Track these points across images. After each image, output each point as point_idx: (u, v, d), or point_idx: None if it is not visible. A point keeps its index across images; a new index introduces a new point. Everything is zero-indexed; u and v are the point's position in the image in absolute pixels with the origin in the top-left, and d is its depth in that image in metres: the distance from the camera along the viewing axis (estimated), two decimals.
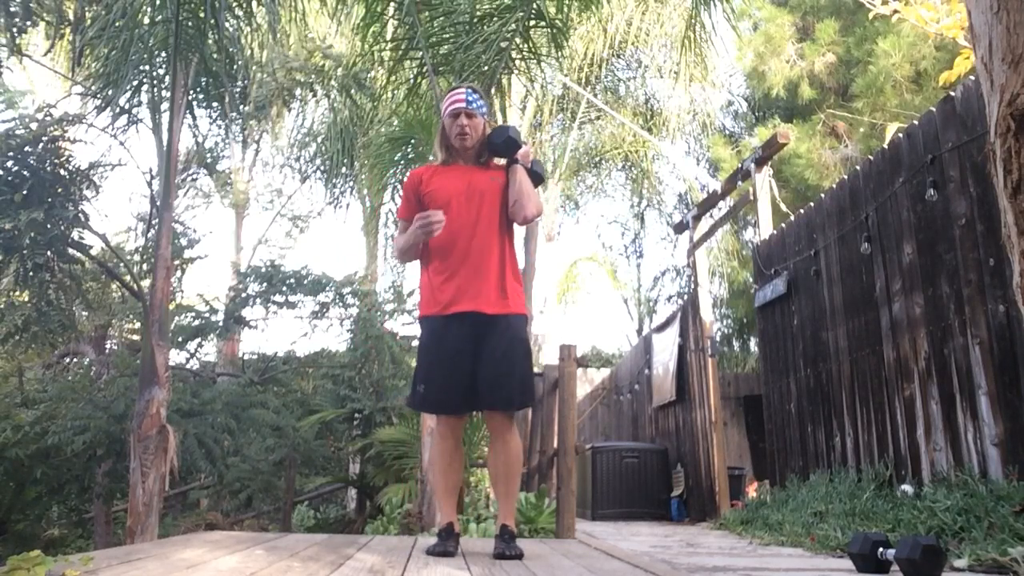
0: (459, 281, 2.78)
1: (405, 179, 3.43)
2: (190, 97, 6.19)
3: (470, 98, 2.89)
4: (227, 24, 6.03)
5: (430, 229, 2.71)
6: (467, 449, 6.78)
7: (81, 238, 6.46)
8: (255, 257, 16.32)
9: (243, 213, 16.46)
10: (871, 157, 5.63)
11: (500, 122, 5.60)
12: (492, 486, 2.76)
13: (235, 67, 6.66)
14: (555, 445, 4.87)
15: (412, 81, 6.16)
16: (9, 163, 5.89)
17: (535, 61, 6.04)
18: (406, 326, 10.42)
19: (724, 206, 9.44)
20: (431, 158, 3.16)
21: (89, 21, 6.10)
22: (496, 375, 2.72)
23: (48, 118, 6.15)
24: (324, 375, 10.20)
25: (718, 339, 11.05)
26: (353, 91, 9.62)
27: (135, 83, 6.04)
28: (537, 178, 2.97)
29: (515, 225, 2.97)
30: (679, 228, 9.87)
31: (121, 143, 6.60)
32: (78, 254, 6.70)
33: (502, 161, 3.00)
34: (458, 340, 2.76)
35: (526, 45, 5.73)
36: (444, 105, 2.95)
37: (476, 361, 2.75)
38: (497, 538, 2.75)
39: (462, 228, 2.81)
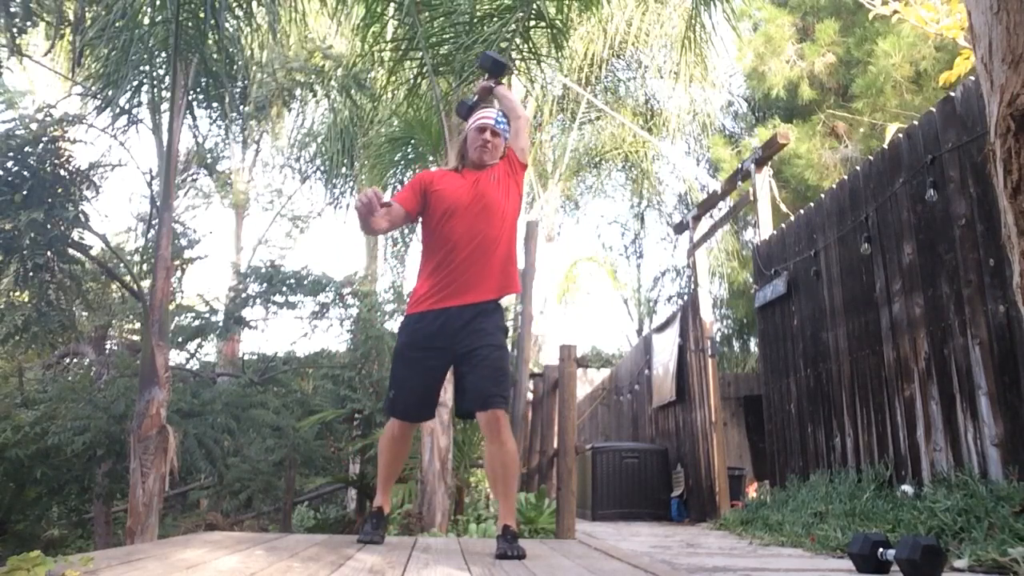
0: (453, 288, 2.91)
1: (414, 175, 3.56)
2: (190, 97, 6.18)
3: (499, 119, 3.07)
4: (227, 24, 6.03)
5: (360, 208, 2.72)
6: (467, 449, 6.78)
7: (81, 238, 6.45)
8: (255, 257, 16.28)
9: (243, 213, 16.43)
10: (871, 157, 5.63)
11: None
12: (491, 487, 2.79)
13: (235, 67, 6.65)
14: (555, 445, 4.87)
15: (412, 81, 6.16)
16: (9, 163, 5.88)
17: (535, 61, 6.04)
18: None
19: (724, 206, 9.44)
20: (444, 164, 3.31)
21: (89, 21, 6.10)
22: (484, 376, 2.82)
23: (48, 118, 6.13)
24: (324, 375, 10.17)
25: (718, 339, 11.05)
26: (353, 91, 9.62)
27: (135, 83, 6.03)
28: (499, 67, 3.27)
29: (516, 220, 3.09)
30: (679, 228, 9.87)
31: (121, 143, 6.59)
32: (78, 254, 6.69)
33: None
34: (432, 337, 2.89)
35: (526, 45, 5.73)
36: (473, 118, 3.11)
37: (459, 364, 2.88)
38: (499, 539, 2.74)
39: (463, 239, 2.93)
